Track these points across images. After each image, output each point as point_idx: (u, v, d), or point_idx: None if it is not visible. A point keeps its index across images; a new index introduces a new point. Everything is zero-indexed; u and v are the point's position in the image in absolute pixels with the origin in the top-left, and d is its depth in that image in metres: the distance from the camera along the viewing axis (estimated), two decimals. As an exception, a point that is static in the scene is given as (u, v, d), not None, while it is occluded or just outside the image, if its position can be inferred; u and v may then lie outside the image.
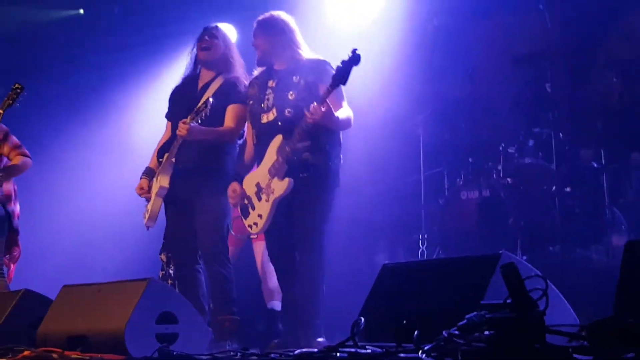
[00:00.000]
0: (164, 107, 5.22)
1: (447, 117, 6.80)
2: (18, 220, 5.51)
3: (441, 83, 7.05)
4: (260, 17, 4.74)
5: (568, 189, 5.94)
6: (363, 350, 2.91)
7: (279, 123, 4.52)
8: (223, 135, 4.87)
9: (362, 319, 3.08)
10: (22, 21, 8.20)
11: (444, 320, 2.63)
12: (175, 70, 6.04)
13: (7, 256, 5.45)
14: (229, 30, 5.18)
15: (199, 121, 4.69)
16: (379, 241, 6.95)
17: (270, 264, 4.86)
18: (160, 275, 5.63)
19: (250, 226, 4.62)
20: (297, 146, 4.38)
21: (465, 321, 2.48)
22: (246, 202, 4.60)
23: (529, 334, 2.34)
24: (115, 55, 7.91)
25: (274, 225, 4.51)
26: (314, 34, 5.29)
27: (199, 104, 4.72)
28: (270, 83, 4.65)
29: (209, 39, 4.99)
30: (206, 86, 4.95)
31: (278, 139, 4.47)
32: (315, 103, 4.28)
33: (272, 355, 3.32)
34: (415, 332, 2.82)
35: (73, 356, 3.68)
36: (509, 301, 2.46)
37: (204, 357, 3.39)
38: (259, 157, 4.61)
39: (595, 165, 5.98)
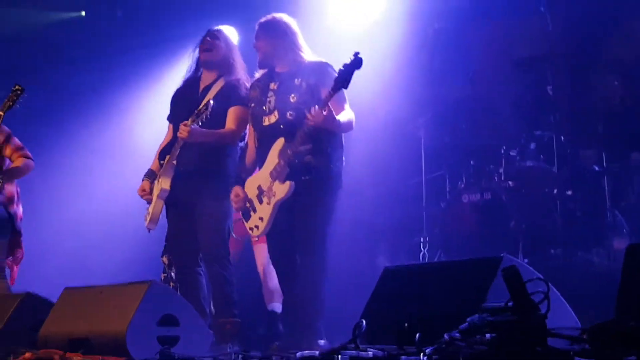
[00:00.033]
0: (166, 110, 5.22)
1: (448, 120, 6.80)
2: (21, 222, 5.52)
3: (442, 86, 7.04)
4: (262, 20, 4.74)
5: (569, 192, 5.93)
6: (365, 353, 2.91)
7: (281, 126, 4.52)
8: (224, 137, 4.88)
9: (364, 321, 3.09)
10: (23, 23, 8.21)
11: (445, 323, 2.63)
12: (176, 72, 6.05)
13: (10, 258, 5.46)
14: (231, 33, 5.19)
15: (200, 123, 4.69)
16: (380, 244, 6.95)
17: (271, 266, 4.87)
18: (162, 278, 5.63)
19: (251, 229, 4.62)
20: (299, 149, 4.38)
21: (466, 324, 2.49)
22: (248, 204, 4.61)
23: (531, 337, 2.35)
24: (117, 58, 7.92)
25: (276, 227, 4.52)
26: (315, 36, 5.29)
27: (200, 106, 4.73)
28: (272, 85, 4.65)
29: (210, 40, 5.00)
30: (207, 88, 4.96)
31: (280, 142, 4.47)
32: (316, 106, 4.28)
33: (274, 357, 3.33)
34: (417, 335, 2.82)
35: (75, 358, 3.69)
36: (510, 304, 2.46)
37: (206, 360, 3.40)
38: (260, 159, 4.62)
39: (596, 168, 5.98)
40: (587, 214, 5.84)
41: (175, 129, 4.84)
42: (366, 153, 6.39)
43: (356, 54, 4.22)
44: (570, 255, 5.70)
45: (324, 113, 4.25)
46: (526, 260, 5.40)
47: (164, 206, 4.91)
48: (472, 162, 6.44)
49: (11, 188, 5.46)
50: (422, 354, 2.51)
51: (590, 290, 4.70)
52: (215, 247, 4.81)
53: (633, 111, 6.13)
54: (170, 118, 5.16)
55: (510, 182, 6.07)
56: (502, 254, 3.20)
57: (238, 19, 6.68)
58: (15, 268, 5.52)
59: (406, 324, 3.08)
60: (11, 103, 5.29)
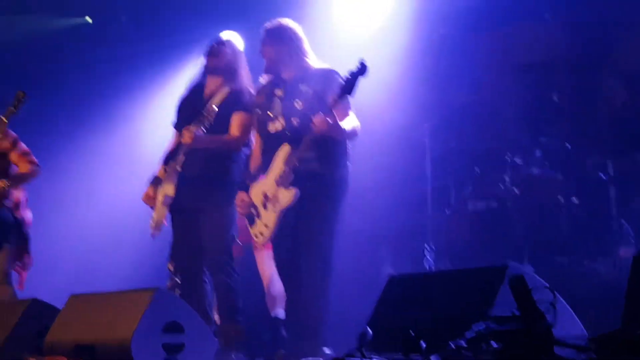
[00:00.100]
0: (171, 116, 5.23)
1: (453, 126, 6.79)
2: (29, 228, 5.52)
3: (448, 91, 7.03)
4: (269, 25, 4.75)
5: (575, 200, 5.92)
6: (370, 362, 2.91)
7: (287, 132, 4.52)
8: (227, 143, 4.88)
9: (369, 329, 3.08)
10: (29, 29, 8.22)
11: (451, 331, 2.63)
12: (182, 79, 6.06)
13: (19, 263, 5.47)
14: (237, 40, 5.19)
15: (203, 129, 4.70)
16: (385, 251, 6.93)
17: (273, 272, 4.86)
18: (169, 285, 5.63)
19: (256, 235, 4.62)
20: (304, 156, 4.38)
21: (472, 333, 2.48)
22: (253, 211, 4.61)
23: (537, 345, 2.34)
24: (123, 64, 7.93)
25: (281, 234, 4.51)
26: (321, 41, 5.30)
27: (204, 112, 4.74)
28: (278, 92, 4.65)
29: (216, 46, 5.02)
30: (212, 94, 4.96)
31: (285, 149, 4.47)
32: (321, 114, 4.28)
33: (279, 365, 3.32)
34: (423, 344, 2.82)
35: (80, 365, 3.69)
36: (516, 313, 2.46)
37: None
38: (265, 166, 4.61)
39: (602, 175, 5.96)
40: (593, 222, 5.83)
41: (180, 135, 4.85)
42: (371, 159, 6.38)
43: (362, 61, 4.23)
44: (577, 264, 5.68)
45: (329, 120, 4.25)
46: (532, 269, 5.38)
47: (169, 212, 4.91)
48: (477, 169, 6.43)
49: (18, 193, 5.47)
50: (427, 362, 2.51)
51: (596, 299, 4.69)
52: (219, 254, 4.81)
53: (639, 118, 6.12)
54: (175, 124, 5.16)
55: (515, 189, 6.05)
56: (507, 262, 3.20)
57: (244, 25, 6.68)
58: (24, 274, 5.53)
59: (412, 332, 3.08)
60: (14, 109, 5.30)
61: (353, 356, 2.98)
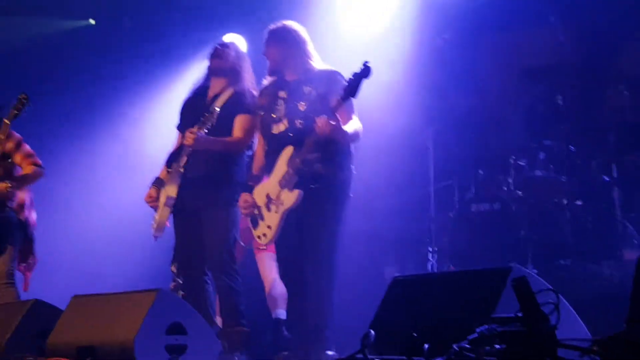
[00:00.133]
0: (175, 118, 5.23)
1: (457, 129, 6.79)
2: (34, 229, 5.52)
3: (451, 95, 7.04)
4: (272, 27, 4.74)
5: (579, 202, 5.91)
6: (373, 364, 2.90)
7: (290, 134, 4.52)
8: (230, 145, 4.88)
9: (372, 331, 3.07)
10: (32, 32, 8.24)
11: (454, 333, 2.62)
12: (186, 81, 6.06)
13: (23, 264, 5.48)
14: (241, 43, 5.20)
15: (206, 130, 4.70)
16: (389, 254, 6.93)
17: (275, 273, 4.86)
18: (172, 286, 5.63)
19: (259, 237, 4.61)
20: (308, 157, 4.38)
21: (476, 335, 2.48)
22: (256, 212, 4.60)
23: (540, 348, 2.33)
24: (126, 67, 7.93)
25: (284, 236, 4.51)
26: (325, 43, 5.29)
27: (206, 114, 4.74)
28: (281, 94, 4.65)
29: (220, 48, 5.03)
30: (216, 96, 4.96)
31: (289, 150, 4.47)
32: (324, 116, 4.28)
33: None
34: (426, 346, 2.81)
35: (82, 366, 3.69)
36: (520, 315, 2.45)
37: (213, 369, 3.39)
38: (269, 167, 4.61)
39: (606, 178, 5.96)
40: (597, 224, 5.83)
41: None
42: (375, 162, 6.37)
43: (365, 63, 4.22)
44: (580, 266, 5.68)
45: (332, 122, 4.24)
46: (535, 271, 5.37)
47: (171, 214, 4.91)
48: (481, 172, 6.43)
49: (22, 195, 5.46)
50: (431, 364, 2.50)
51: (600, 301, 4.69)
52: (222, 256, 4.80)
53: (643, 121, 6.12)
54: (178, 126, 5.16)
55: (519, 192, 6.05)
56: (511, 265, 3.19)
57: (247, 27, 6.70)
58: (28, 274, 5.53)
59: (415, 335, 3.07)
60: (17, 112, 5.31)
61: (356, 359, 2.97)
